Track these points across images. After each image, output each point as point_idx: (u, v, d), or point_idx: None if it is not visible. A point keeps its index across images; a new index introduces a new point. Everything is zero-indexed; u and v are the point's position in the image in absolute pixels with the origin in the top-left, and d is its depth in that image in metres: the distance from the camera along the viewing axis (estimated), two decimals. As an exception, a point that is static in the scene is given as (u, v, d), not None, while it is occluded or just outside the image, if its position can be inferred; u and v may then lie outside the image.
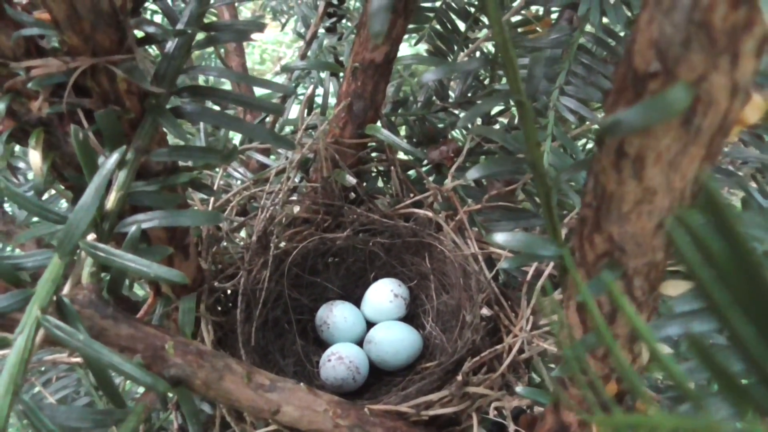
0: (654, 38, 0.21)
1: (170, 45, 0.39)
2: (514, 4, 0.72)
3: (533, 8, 0.74)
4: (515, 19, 0.74)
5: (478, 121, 0.73)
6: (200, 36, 0.42)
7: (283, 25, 1.34)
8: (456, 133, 0.80)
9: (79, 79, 0.37)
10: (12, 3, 0.36)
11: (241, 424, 0.50)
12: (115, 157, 0.34)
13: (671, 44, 0.20)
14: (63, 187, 0.45)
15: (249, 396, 0.42)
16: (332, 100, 0.72)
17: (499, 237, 0.32)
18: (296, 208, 0.65)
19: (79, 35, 0.34)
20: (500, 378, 0.51)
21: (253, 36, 0.43)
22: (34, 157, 0.39)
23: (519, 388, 0.39)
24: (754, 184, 0.60)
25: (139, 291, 0.83)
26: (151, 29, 0.36)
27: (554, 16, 0.74)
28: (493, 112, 0.76)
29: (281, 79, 0.89)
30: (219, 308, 0.58)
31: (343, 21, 0.94)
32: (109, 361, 0.29)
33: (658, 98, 0.20)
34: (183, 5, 0.40)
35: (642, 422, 0.19)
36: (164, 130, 0.41)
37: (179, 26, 0.39)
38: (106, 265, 0.34)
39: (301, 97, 0.86)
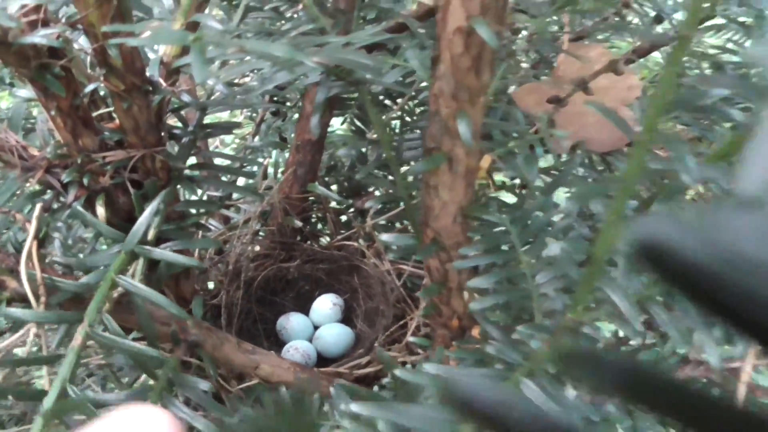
0: (432, 133, 0.47)
1: (185, 139, 0.64)
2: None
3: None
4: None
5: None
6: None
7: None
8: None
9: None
10: (93, 118, 0.60)
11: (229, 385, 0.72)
12: (156, 202, 0.58)
13: (437, 135, 0.47)
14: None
15: (240, 357, 0.66)
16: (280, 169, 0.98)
17: (385, 237, 0.58)
18: (258, 247, 0.90)
19: (137, 137, 0.59)
20: (405, 346, 0.76)
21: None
22: (100, 211, 0.62)
23: (411, 338, 0.63)
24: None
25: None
26: (176, 131, 0.61)
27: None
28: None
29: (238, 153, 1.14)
30: (206, 318, 0.81)
31: (287, 103, 1.21)
32: (158, 300, 0.53)
33: (430, 158, 0.46)
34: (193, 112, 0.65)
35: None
36: (180, 191, 0.66)
37: (190, 128, 0.64)
38: (154, 259, 0.58)
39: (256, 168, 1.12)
